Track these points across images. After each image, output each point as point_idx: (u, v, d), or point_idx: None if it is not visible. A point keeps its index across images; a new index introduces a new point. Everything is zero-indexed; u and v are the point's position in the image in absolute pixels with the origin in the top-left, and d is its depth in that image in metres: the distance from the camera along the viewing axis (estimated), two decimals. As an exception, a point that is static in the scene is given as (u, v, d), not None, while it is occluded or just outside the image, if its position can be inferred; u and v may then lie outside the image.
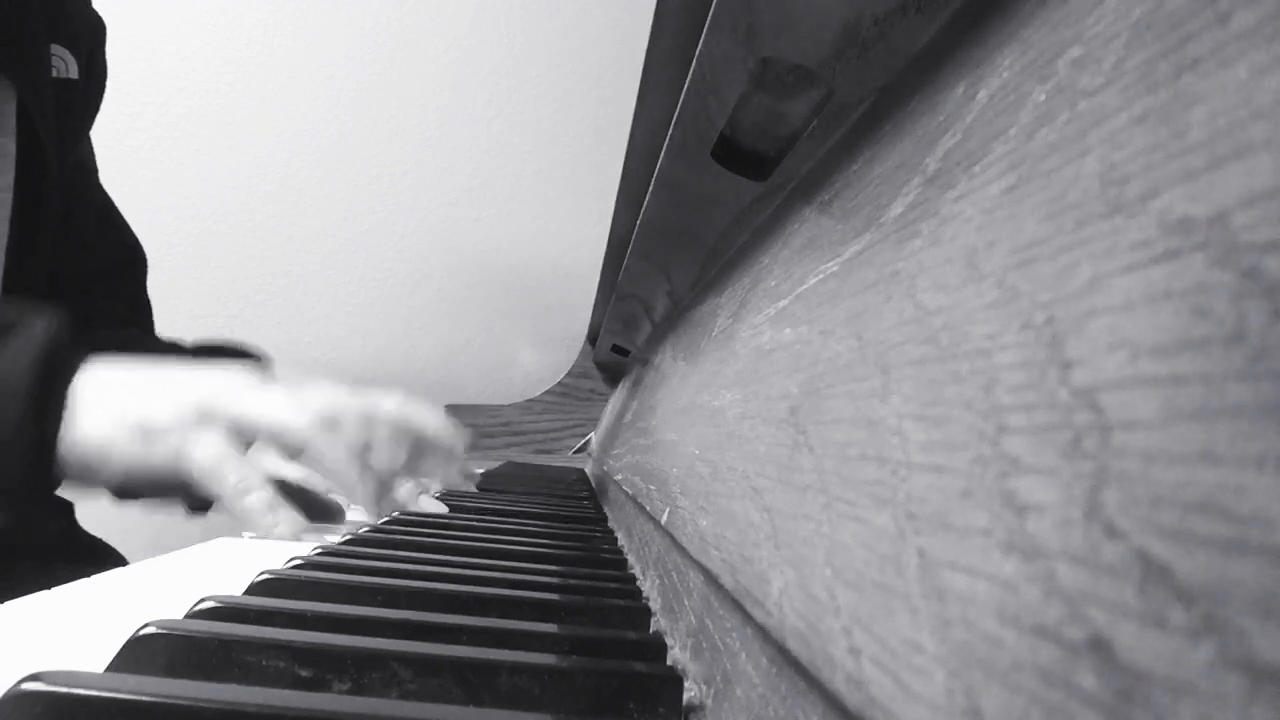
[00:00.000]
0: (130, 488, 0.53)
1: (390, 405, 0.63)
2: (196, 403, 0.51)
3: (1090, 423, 0.10)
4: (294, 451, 0.52)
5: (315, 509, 0.56)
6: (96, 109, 0.78)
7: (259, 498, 0.50)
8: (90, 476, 0.51)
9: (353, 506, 0.64)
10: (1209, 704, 0.07)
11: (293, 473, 0.57)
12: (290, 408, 0.52)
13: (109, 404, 0.51)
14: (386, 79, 1.45)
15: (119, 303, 0.80)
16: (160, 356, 0.57)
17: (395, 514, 0.56)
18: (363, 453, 0.54)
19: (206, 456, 0.49)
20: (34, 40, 0.65)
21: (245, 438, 0.52)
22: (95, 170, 0.80)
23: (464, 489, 0.71)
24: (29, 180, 0.65)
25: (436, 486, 0.66)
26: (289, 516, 0.50)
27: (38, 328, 0.50)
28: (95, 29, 0.75)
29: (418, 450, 0.63)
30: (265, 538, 0.49)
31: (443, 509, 0.60)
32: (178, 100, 1.41)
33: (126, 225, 0.83)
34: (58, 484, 0.52)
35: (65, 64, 0.69)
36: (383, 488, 0.56)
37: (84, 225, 0.77)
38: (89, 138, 0.78)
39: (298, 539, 0.49)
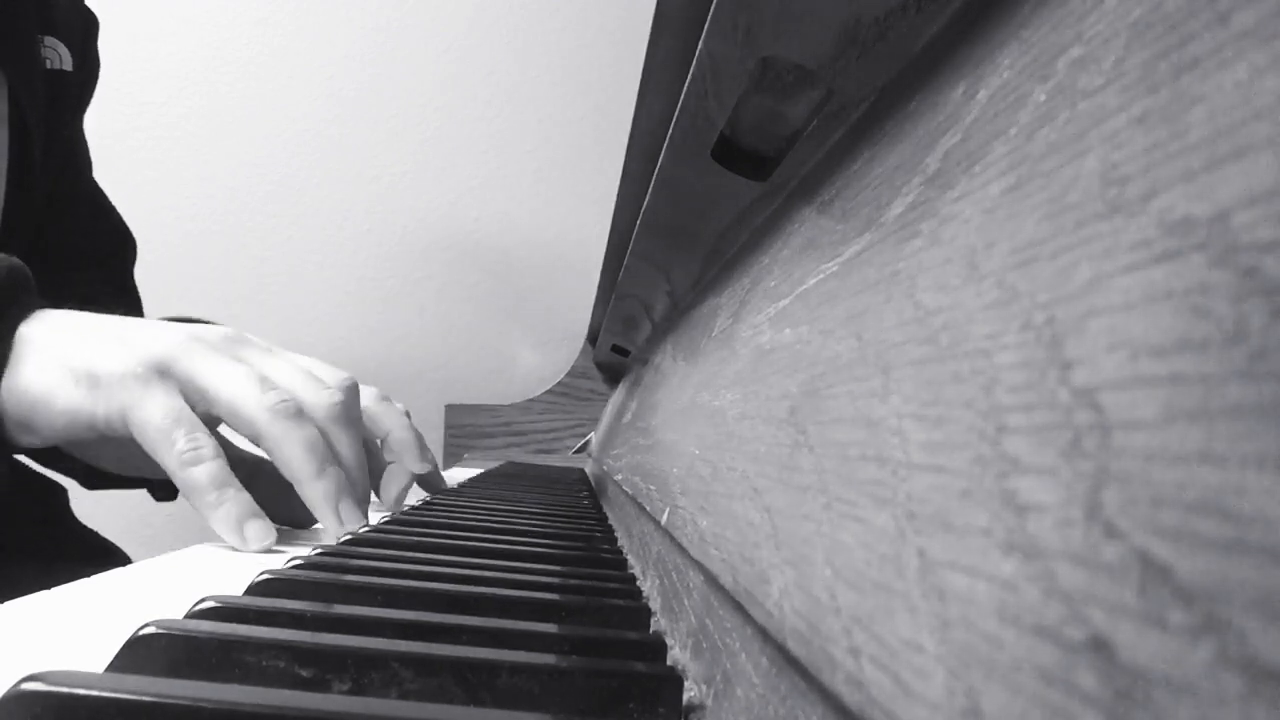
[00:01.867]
0: (74, 448, 0.48)
1: (367, 399, 0.57)
2: (151, 355, 0.44)
3: (1090, 423, 0.10)
4: (250, 435, 0.44)
5: (282, 505, 0.47)
6: (89, 98, 0.78)
7: (207, 470, 0.42)
8: (30, 429, 0.45)
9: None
10: (1209, 704, 0.07)
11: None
12: (252, 384, 0.44)
13: (55, 349, 0.45)
14: (386, 79, 1.45)
15: (107, 288, 0.79)
16: None
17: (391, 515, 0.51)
18: (327, 451, 0.45)
19: (154, 414, 0.42)
20: (25, 33, 0.66)
21: (201, 406, 0.44)
22: (89, 161, 0.80)
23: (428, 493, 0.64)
24: (17, 167, 0.65)
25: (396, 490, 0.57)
26: (238, 499, 0.42)
27: None
28: (87, 21, 0.77)
29: (378, 454, 0.56)
30: (210, 523, 0.42)
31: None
32: (178, 100, 1.41)
33: (114, 210, 0.83)
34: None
35: (59, 55, 0.70)
36: (347, 489, 0.46)
37: (73, 212, 0.77)
38: (81, 130, 0.79)
39: (240, 530, 0.42)
